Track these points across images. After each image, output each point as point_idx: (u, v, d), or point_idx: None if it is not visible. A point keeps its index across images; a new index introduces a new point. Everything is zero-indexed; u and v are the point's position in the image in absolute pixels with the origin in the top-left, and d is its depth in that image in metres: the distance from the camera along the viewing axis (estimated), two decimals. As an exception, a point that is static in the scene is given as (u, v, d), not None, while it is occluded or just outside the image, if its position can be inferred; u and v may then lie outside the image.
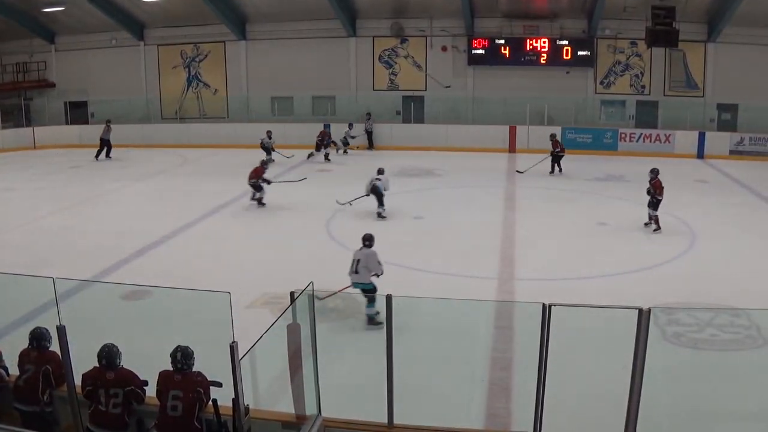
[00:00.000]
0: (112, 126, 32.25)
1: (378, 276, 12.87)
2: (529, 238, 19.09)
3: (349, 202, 21.46)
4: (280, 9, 34.13)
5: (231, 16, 34.75)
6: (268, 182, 22.31)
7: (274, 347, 7.15)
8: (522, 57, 33.73)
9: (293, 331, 7.18)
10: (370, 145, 33.85)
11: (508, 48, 33.76)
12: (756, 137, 31.90)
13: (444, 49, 34.78)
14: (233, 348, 6.06)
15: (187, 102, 37.53)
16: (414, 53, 35.27)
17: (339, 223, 20.15)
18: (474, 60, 34.23)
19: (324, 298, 12.29)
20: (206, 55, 37.01)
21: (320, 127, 32.38)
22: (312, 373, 7.54)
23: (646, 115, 33.94)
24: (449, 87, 34.91)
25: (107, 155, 32.03)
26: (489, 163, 25.94)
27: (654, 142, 32.32)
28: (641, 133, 32.77)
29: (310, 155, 30.67)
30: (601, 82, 34.31)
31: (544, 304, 6.93)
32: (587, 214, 21.35)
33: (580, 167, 27.79)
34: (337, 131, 32.81)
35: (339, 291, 12.90)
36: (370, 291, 12.77)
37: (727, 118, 33.57)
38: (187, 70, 37.43)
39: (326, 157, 30.81)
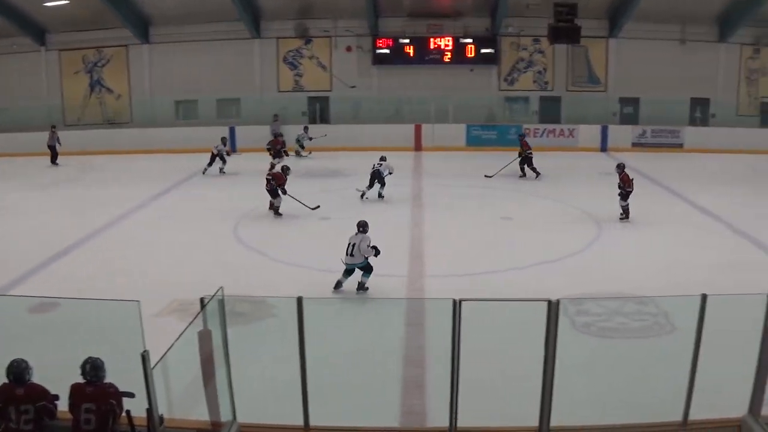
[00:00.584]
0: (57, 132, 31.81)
1: (366, 260, 14.48)
2: (437, 235, 19.13)
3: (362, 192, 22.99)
4: (183, 11, 33.42)
5: (133, 20, 33.90)
6: (285, 192, 21.27)
7: (186, 354, 6.99)
8: (426, 56, 33.83)
9: (204, 337, 7.06)
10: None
11: (412, 47, 33.80)
12: (657, 129, 32.78)
13: (348, 49, 34.65)
14: (145, 357, 5.93)
15: (90, 107, 36.51)
16: (319, 54, 35.06)
17: (247, 228, 19.84)
18: (378, 60, 34.20)
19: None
20: (109, 60, 36.02)
21: (225, 131, 31.73)
22: (225, 378, 7.45)
23: (550, 111, 34.48)
24: (354, 87, 34.78)
25: (53, 161, 31.28)
26: (395, 161, 25.88)
27: (558, 136, 32.85)
28: (545, 129, 33.25)
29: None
30: (505, 80, 34.66)
31: (454, 300, 6.88)
32: (493, 210, 21.49)
33: (485, 164, 27.91)
34: (244, 135, 32.55)
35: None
36: (364, 267, 14.58)
37: (629, 111, 34.39)
38: (89, 75, 36.40)
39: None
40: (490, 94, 34.51)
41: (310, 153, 31.86)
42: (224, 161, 28.27)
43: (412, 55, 33.89)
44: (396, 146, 31.71)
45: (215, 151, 27.95)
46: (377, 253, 14.56)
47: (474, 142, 31.91)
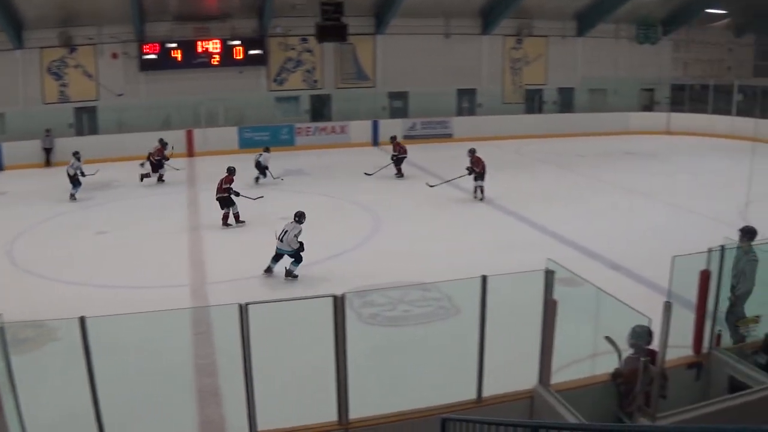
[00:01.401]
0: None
1: (296, 250, 15.24)
2: (215, 241, 18.84)
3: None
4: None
5: None
6: (237, 194, 20.40)
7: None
8: (194, 59, 33.14)
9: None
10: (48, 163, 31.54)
11: (179, 51, 32.97)
12: (426, 121, 33.85)
13: (114, 56, 33.31)
14: None
15: None
16: (84, 62, 33.44)
17: (23, 248, 18.66)
18: (146, 65, 33.10)
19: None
20: None
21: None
22: (14, 409, 6.97)
23: (321, 109, 34.81)
24: (122, 95, 33.55)
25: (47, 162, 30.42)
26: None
27: (330, 133, 33.19)
28: (317, 127, 33.49)
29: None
30: (275, 80, 34.58)
31: (240, 305, 6.74)
32: (272, 211, 21.28)
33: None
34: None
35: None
36: (292, 255, 15.33)
37: (399, 105, 35.23)
38: None
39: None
40: (260, 95, 34.33)
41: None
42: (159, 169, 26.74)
43: (180, 59, 33.06)
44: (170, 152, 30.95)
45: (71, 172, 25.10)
46: (300, 248, 15.27)
47: (247, 144, 31.63)
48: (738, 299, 9.84)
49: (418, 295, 14.01)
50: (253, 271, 15.69)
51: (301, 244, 15.24)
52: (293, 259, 15.41)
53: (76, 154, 24.56)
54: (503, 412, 7.64)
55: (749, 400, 7.63)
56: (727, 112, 38.84)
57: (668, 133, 38.41)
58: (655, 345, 7.21)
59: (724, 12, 39.09)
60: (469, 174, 23.23)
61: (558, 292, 7.73)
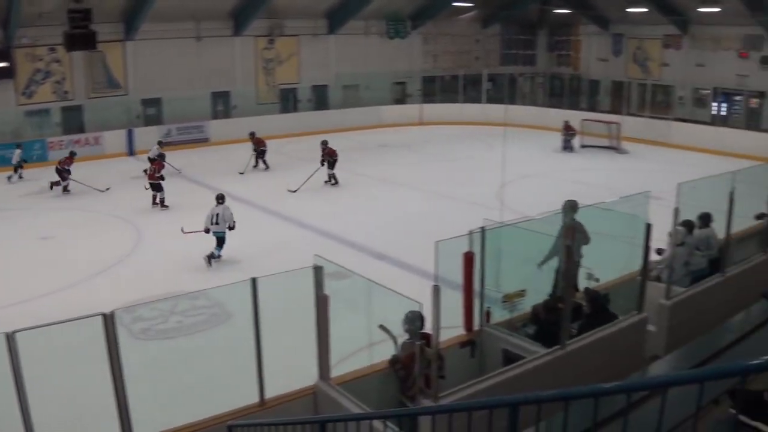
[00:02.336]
0: None
1: (231, 228, 17.01)
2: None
3: None
4: None
5: None
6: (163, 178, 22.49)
7: None
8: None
9: None
10: None
11: None
12: (182, 127, 33.21)
13: None
14: None
15: None
16: None
17: None
18: None
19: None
20: None
21: None
22: None
23: (73, 120, 33.18)
24: None
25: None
26: None
27: (84, 145, 31.72)
28: (70, 139, 32.00)
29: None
30: (23, 93, 32.72)
31: (6, 334, 6.35)
32: (28, 231, 20.20)
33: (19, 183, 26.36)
34: None
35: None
36: (221, 238, 16.94)
37: (153, 112, 34.30)
38: None
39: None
40: (8, 109, 32.35)
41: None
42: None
43: None
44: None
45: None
46: (233, 226, 17.10)
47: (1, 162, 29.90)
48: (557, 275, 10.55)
49: (188, 304, 13.79)
50: (19, 297, 14.75)
51: (235, 222, 17.10)
52: (218, 243, 17.00)
53: None
54: (288, 412, 7.63)
55: (524, 371, 8.02)
56: (478, 101, 40.80)
57: (421, 123, 39.73)
58: (428, 328, 7.42)
59: (470, 5, 40.82)
60: (322, 165, 25.12)
61: (329, 287, 7.78)
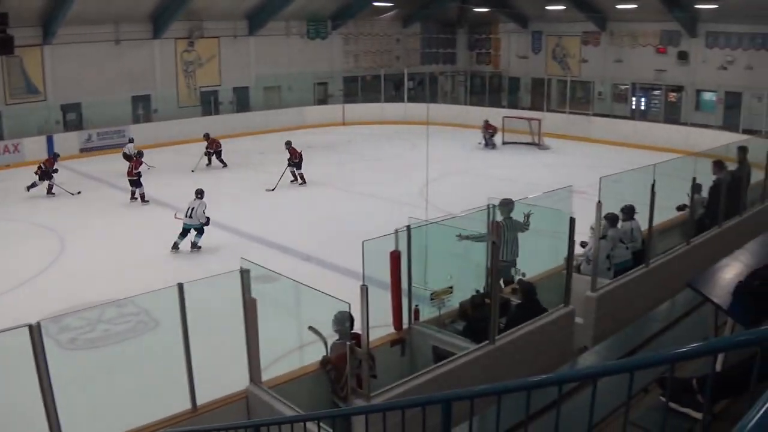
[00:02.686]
0: None
1: (203, 223, 18.00)
2: None
3: None
4: None
5: None
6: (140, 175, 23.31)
7: None
8: None
9: None
10: None
11: None
12: (103, 132, 32.55)
13: None
14: None
15: None
16: None
17: None
18: None
19: None
20: None
21: None
22: None
23: (-11, 128, 32.43)
24: None
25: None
26: None
27: (3, 153, 31.00)
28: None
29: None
30: (-62, 101, 31.83)
31: None
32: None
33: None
34: None
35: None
36: (198, 228, 18.12)
37: (73, 117, 33.59)
38: None
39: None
40: None
41: None
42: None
43: None
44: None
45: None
46: (208, 222, 18.10)
47: None
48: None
49: (114, 312, 13.56)
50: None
51: (208, 219, 18.06)
52: (197, 233, 18.17)
53: None
54: (220, 417, 7.55)
55: (455, 367, 8.06)
56: (399, 100, 40.95)
57: (344, 124, 39.73)
58: (358, 328, 7.42)
59: (390, 4, 40.99)
60: (290, 165, 25.56)
61: (257, 290, 7.73)
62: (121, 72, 34.07)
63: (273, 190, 24.53)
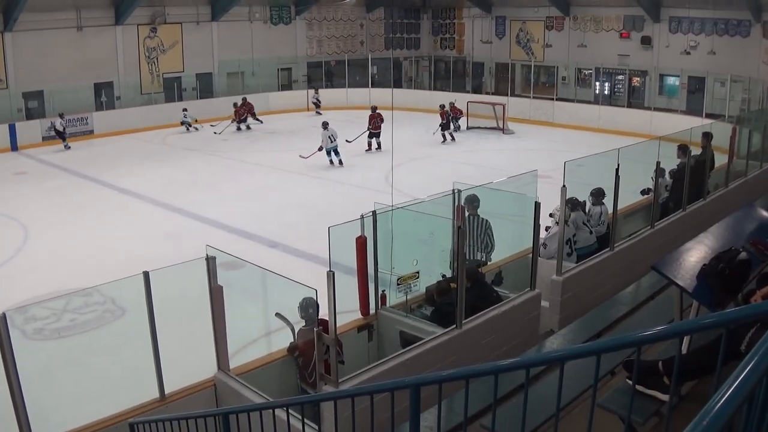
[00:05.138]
0: None
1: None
2: None
3: None
4: None
5: None
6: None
7: None
8: None
9: None
10: None
11: None
12: (67, 119, 32.17)
13: None
14: None
15: None
16: None
17: None
18: None
19: None
20: None
21: None
22: None
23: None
24: None
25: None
26: None
27: (-35, 142, 30.61)
28: (-51, 136, 30.78)
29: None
30: None
31: None
32: None
33: None
34: None
35: None
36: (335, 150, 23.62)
37: (35, 105, 33.16)
38: None
39: None
40: None
41: None
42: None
43: None
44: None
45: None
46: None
47: None
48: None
49: (80, 301, 13.44)
50: None
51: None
52: (335, 153, 25.24)
53: None
54: (189, 405, 7.52)
55: (422, 351, 8.08)
56: (364, 85, 40.83)
57: (309, 110, 39.57)
58: (324, 314, 7.41)
59: (353, -11, 40.94)
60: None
61: (223, 277, 7.69)
62: (84, 59, 33.65)
63: (307, 158, 25.60)
